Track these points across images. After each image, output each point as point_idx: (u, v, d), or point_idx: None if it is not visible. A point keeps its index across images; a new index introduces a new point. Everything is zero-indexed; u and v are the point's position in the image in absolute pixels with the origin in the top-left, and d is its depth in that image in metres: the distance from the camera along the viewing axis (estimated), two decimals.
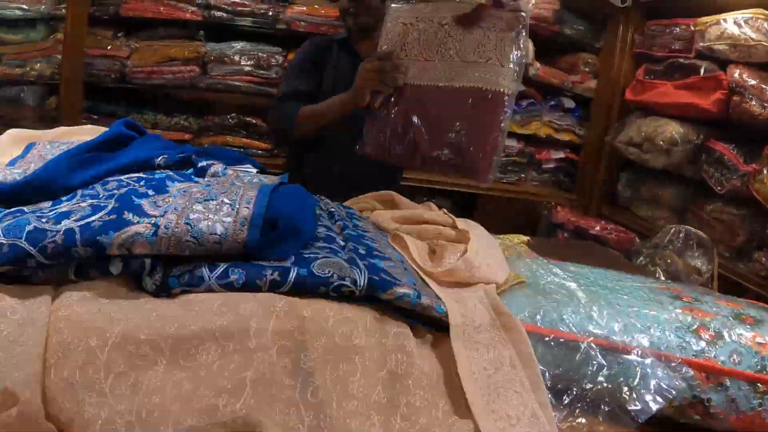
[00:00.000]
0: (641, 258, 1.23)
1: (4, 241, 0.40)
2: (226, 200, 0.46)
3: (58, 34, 1.64)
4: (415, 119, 0.74)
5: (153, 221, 0.41)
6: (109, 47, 1.60)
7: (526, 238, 0.83)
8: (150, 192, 0.48)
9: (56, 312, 0.38)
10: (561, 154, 1.99)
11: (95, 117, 1.66)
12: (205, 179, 0.57)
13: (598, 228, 1.90)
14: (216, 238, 0.42)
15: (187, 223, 0.41)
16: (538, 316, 0.49)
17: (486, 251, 0.56)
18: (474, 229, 0.63)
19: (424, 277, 0.51)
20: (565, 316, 0.49)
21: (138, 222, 0.41)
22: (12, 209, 0.47)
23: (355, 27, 1.08)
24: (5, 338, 0.35)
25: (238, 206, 0.45)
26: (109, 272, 0.41)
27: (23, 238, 0.40)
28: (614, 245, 1.78)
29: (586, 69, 2.00)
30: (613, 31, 1.97)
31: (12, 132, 0.72)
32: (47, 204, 0.50)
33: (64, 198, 0.50)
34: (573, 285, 0.54)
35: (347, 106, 0.93)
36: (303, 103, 1.08)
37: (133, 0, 1.57)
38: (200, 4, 1.58)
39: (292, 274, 0.42)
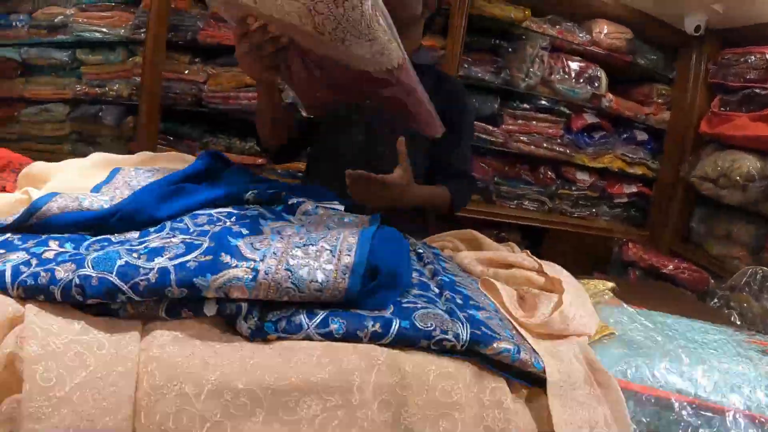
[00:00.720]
0: (715, 300, 1.20)
1: (93, 274, 0.39)
2: (326, 246, 0.45)
3: (136, 58, 1.69)
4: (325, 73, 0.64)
5: (252, 266, 0.40)
6: (186, 72, 1.64)
7: (611, 285, 0.76)
8: (244, 231, 0.48)
9: (147, 352, 0.37)
10: (633, 189, 1.88)
11: (171, 138, 1.70)
12: (296, 216, 0.56)
13: (671, 267, 1.79)
14: (317, 285, 0.40)
15: (288, 269, 0.40)
16: (630, 372, 0.48)
17: (577, 301, 0.54)
18: (560, 274, 0.60)
19: (517, 327, 0.49)
20: (656, 372, 0.48)
21: (236, 266, 0.40)
22: (98, 237, 0.47)
23: None
24: (93, 374, 0.34)
25: (338, 253, 0.44)
26: (201, 312, 0.40)
27: (114, 273, 0.39)
28: (687, 285, 1.69)
29: (660, 100, 1.90)
30: (686, 60, 1.88)
31: (95, 156, 0.71)
32: (134, 235, 0.49)
33: (152, 229, 0.50)
34: (661, 338, 0.54)
35: (262, 95, 0.85)
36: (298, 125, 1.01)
37: (211, 27, 1.61)
38: None
39: (395, 327, 0.41)
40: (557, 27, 1.72)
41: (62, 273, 0.38)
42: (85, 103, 1.75)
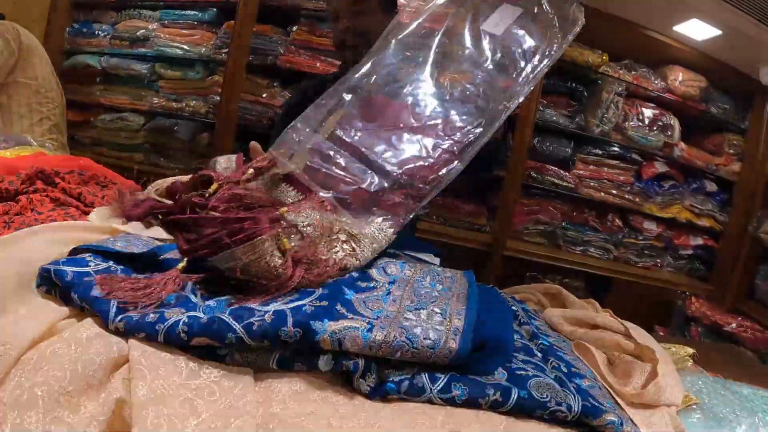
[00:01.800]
0: None
1: (203, 316, 0.38)
2: (437, 310, 0.46)
3: (215, 77, 1.75)
4: None
5: (368, 320, 0.41)
6: (264, 95, 1.68)
7: (691, 351, 0.74)
8: (357, 282, 0.48)
9: (266, 406, 0.35)
10: (699, 241, 1.82)
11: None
12: (403, 273, 0.55)
13: (734, 325, 1.73)
14: (429, 342, 0.41)
15: (402, 327, 0.41)
16: None
17: (667, 371, 0.53)
18: (647, 339, 0.59)
19: (614, 395, 0.49)
20: None
21: (352, 318, 0.41)
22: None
23: (353, 60, 0.97)
24: (206, 423, 0.32)
25: (449, 316, 0.46)
26: (315, 367, 0.39)
27: (226, 313, 0.39)
28: (749, 345, 1.62)
29: (731, 151, 1.85)
30: (759, 111, 1.82)
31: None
32: None
33: None
34: (741, 410, 0.54)
35: None
36: None
37: (291, 53, 1.65)
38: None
39: (514, 396, 0.41)
40: (633, 73, 1.70)
41: (171, 315, 0.38)
42: (161, 115, 1.81)
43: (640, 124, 1.69)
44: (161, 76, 1.82)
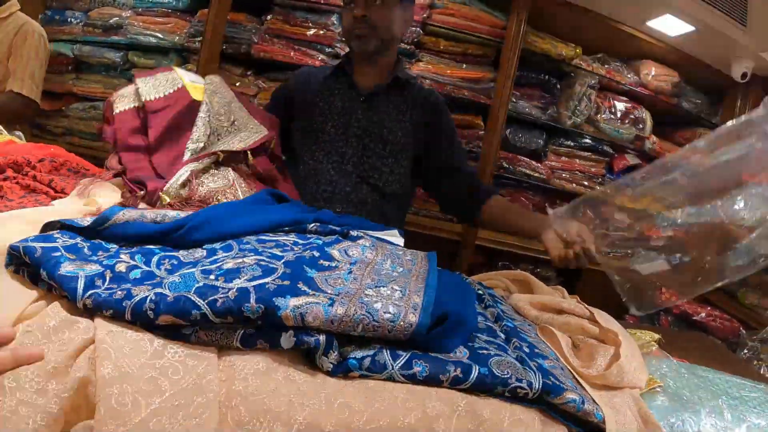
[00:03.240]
0: (745, 351, 1.21)
1: (169, 293, 0.39)
2: (396, 287, 0.47)
3: (189, 65, 1.72)
4: None
5: (329, 296, 0.42)
6: (237, 84, 1.66)
7: (657, 336, 0.77)
8: (320, 261, 0.50)
9: (228, 384, 0.36)
10: (670, 232, 1.86)
11: None
12: (364, 255, 0.56)
13: (703, 314, 1.77)
14: (389, 316, 0.42)
15: (362, 303, 0.42)
16: (677, 425, 0.49)
17: (631, 354, 0.55)
18: (612, 324, 0.60)
19: (576, 376, 0.50)
20: (701, 429, 0.49)
21: (314, 294, 0.42)
22: (167, 253, 0.48)
23: (360, 50, 0.97)
24: (170, 401, 0.33)
25: (408, 293, 0.47)
26: (278, 344, 0.39)
27: (191, 292, 0.39)
28: (718, 334, 1.67)
29: None
30: (731, 106, 1.87)
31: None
32: (202, 253, 0.50)
33: (218, 246, 0.51)
34: (705, 393, 0.55)
35: None
36: None
37: (265, 42, 1.64)
38: (329, 53, 1.59)
39: (474, 373, 0.42)
40: (606, 66, 1.72)
41: (138, 291, 0.39)
42: None
43: (612, 117, 1.71)
44: (134, 65, 1.79)
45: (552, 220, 0.93)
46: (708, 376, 0.61)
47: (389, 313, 0.42)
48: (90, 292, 0.38)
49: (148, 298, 0.38)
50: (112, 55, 1.80)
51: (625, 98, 1.75)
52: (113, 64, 1.80)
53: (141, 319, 0.37)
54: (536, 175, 1.68)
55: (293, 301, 0.39)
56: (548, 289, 0.74)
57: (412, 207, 1.65)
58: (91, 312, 0.38)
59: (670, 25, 1.66)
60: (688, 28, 1.67)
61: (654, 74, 1.77)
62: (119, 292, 0.38)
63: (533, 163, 1.67)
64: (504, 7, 1.60)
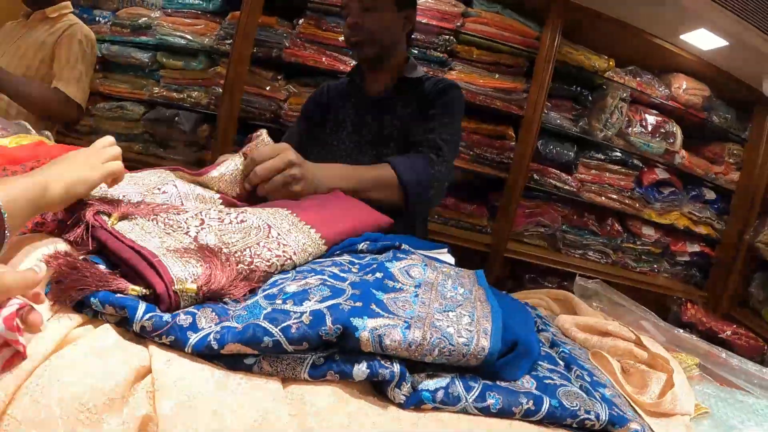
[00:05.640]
0: None
1: (237, 325, 0.37)
2: (464, 312, 0.46)
3: (218, 68, 1.72)
4: None
5: (403, 318, 0.41)
6: (267, 88, 1.66)
7: (697, 360, 0.75)
8: (385, 281, 0.49)
9: (300, 419, 0.33)
10: (696, 248, 1.83)
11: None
12: (426, 276, 0.55)
13: (728, 332, 1.75)
14: (464, 340, 0.41)
15: (436, 327, 0.41)
16: None
17: (681, 381, 0.54)
18: (656, 347, 0.59)
19: (632, 404, 0.50)
20: None
21: (388, 316, 0.41)
22: None
23: (359, 57, 0.98)
24: None
25: (477, 318, 0.46)
26: (348, 376, 0.37)
27: (261, 318, 0.37)
28: (742, 352, 1.64)
29: (731, 160, 1.86)
30: (760, 121, 1.84)
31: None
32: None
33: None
34: (750, 420, 0.55)
35: None
36: None
37: (296, 46, 1.63)
38: None
39: (545, 405, 0.41)
40: (638, 79, 1.70)
41: (202, 320, 0.37)
42: (161, 105, 1.78)
43: (643, 130, 1.69)
44: (162, 66, 1.79)
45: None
46: (748, 401, 0.60)
47: (463, 337, 0.41)
48: (151, 314, 0.36)
49: (213, 332, 0.36)
50: (140, 56, 1.80)
51: (655, 111, 1.73)
52: (141, 64, 1.80)
53: (203, 352, 0.35)
54: (566, 187, 1.66)
55: (371, 323, 0.38)
56: (591, 310, 0.73)
57: (439, 217, 1.64)
58: (146, 336, 0.36)
59: (703, 39, 1.65)
60: (721, 42, 1.65)
61: (685, 88, 1.75)
62: (184, 317, 0.37)
63: (563, 175, 1.65)
64: (538, 17, 1.58)
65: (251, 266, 0.46)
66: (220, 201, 0.64)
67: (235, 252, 0.46)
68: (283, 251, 0.50)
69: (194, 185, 0.65)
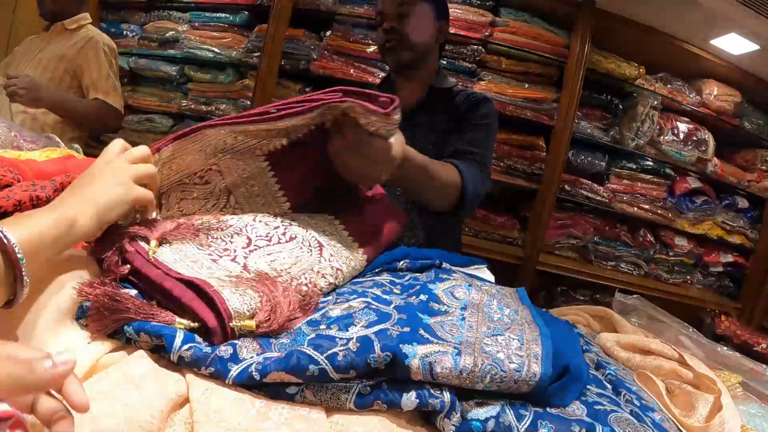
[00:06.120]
0: None
1: (278, 354, 0.35)
2: (513, 336, 0.45)
3: (246, 81, 1.73)
4: None
5: (452, 344, 0.40)
6: None
7: (740, 378, 0.72)
8: (430, 305, 0.47)
9: None
10: (730, 258, 1.79)
11: None
12: (471, 297, 0.53)
13: (764, 345, 1.70)
14: (515, 366, 0.39)
15: (486, 353, 0.40)
16: None
17: (730, 402, 0.52)
18: (701, 367, 0.57)
19: (681, 428, 0.47)
20: None
21: (437, 342, 0.39)
22: None
23: (393, 64, 0.96)
24: None
25: (527, 342, 0.44)
26: (396, 406, 0.36)
27: (305, 345, 0.36)
28: None
29: (764, 167, 1.82)
30: None
31: None
32: None
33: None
34: None
35: None
36: None
37: (324, 58, 1.64)
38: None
39: None
40: (668, 86, 1.67)
41: (244, 351, 0.35)
42: (190, 118, 1.81)
43: (675, 138, 1.66)
44: (190, 79, 1.81)
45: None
46: None
47: (514, 363, 0.40)
48: (190, 345, 0.34)
49: (255, 362, 0.34)
50: (168, 69, 1.82)
51: (687, 119, 1.70)
52: (169, 77, 1.83)
53: (244, 383, 0.34)
54: (598, 198, 1.63)
55: (421, 350, 0.36)
56: (631, 327, 0.71)
57: (470, 229, 1.62)
58: (184, 366, 0.34)
59: (734, 44, 1.62)
60: (753, 47, 1.62)
61: (716, 94, 1.71)
62: (224, 348, 0.35)
63: (595, 185, 1.63)
64: (566, 25, 1.57)
65: (306, 297, 0.44)
66: (275, 180, 0.53)
67: (291, 281, 0.44)
68: (335, 278, 0.49)
69: (240, 165, 0.53)
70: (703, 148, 1.70)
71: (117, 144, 0.45)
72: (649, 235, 1.71)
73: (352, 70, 1.60)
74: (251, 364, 0.34)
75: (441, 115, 0.96)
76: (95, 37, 1.42)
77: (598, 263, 1.67)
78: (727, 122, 1.74)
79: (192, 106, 1.79)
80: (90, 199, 0.38)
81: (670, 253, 1.72)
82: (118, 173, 0.41)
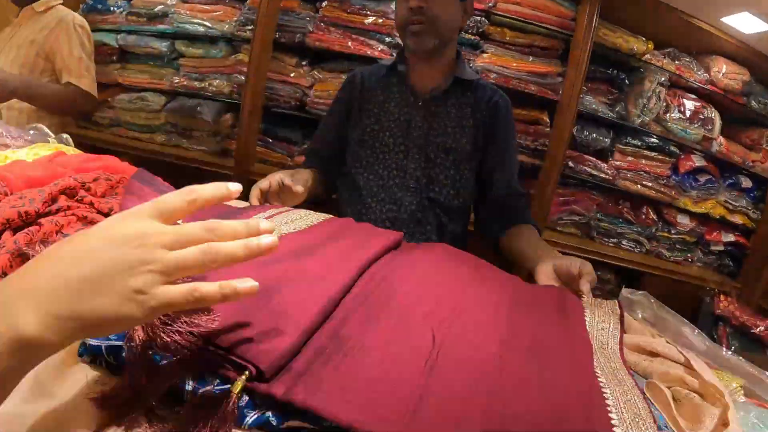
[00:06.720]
0: None
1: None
2: None
3: (239, 55, 1.67)
4: None
5: None
6: (291, 74, 1.60)
7: (742, 382, 0.70)
8: None
9: None
10: (731, 237, 1.78)
11: (270, 140, 1.66)
12: None
13: (762, 328, 1.70)
14: None
15: None
16: None
17: (735, 416, 0.49)
18: (705, 372, 0.54)
19: None
20: None
21: None
22: None
23: (416, 49, 0.87)
24: None
25: None
26: None
27: None
28: None
29: None
30: None
31: None
32: None
33: None
34: None
35: None
36: (322, 166, 0.98)
37: (320, 30, 1.57)
38: (389, 43, 1.51)
39: None
40: (676, 62, 1.63)
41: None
42: (183, 95, 1.74)
43: (681, 116, 1.63)
44: (182, 54, 1.74)
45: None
46: None
47: None
48: (204, 390, 0.32)
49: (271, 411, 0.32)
50: (158, 45, 1.75)
51: (693, 96, 1.66)
52: (160, 53, 1.75)
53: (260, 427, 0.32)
54: (602, 175, 1.60)
55: None
56: (636, 324, 0.68)
57: None
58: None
59: (746, 23, 1.57)
60: (764, 26, 1.58)
61: (724, 72, 1.67)
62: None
63: (599, 162, 1.59)
64: None
65: None
66: None
67: None
68: None
69: None
70: (709, 127, 1.66)
71: (170, 201, 0.27)
72: (651, 213, 1.69)
73: (350, 42, 1.54)
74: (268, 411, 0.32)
75: (463, 108, 0.91)
76: (66, 17, 1.36)
77: (600, 240, 1.65)
78: (734, 101, 1.71)
79: (185, 83, 1.72)
80: (63, 308, 0.23)
81: (672, 231, 1.70)
82: (136, 260, 0.24)
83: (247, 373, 0.32)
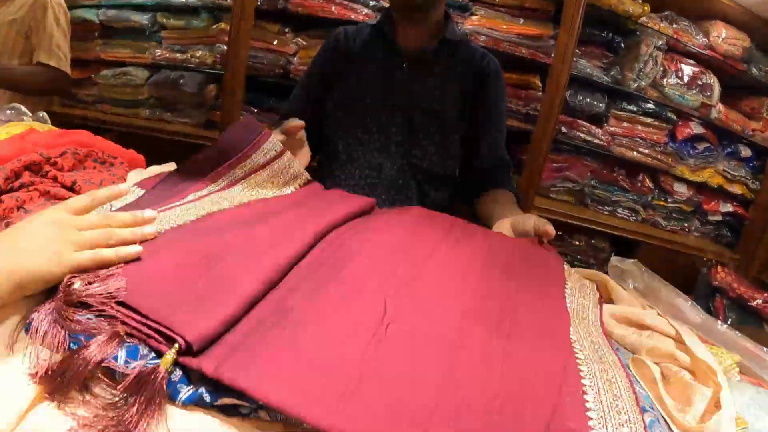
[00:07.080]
0: None
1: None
2: None
3: (221, 24, 1.63)
4: None
5: None
6: (275, 42, 1.56)
7: (738, 358, 0.66)
8: None
9: None
10: (729, 207, 1.74)
11: (255, 110, 1.62)
12: None
13: (759, 300, 1.67)
14: None
15: None
16: None
17: (729, 398, 0.46)
18: (697, 347, 0.51)
19: (671, 424, 0.41)
20: None
21: None
22: None
23: (402, 4, 0.86)
24: None
25: None
26: None
27: None
28: None
29: None
30: None
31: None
32: None
33: None
34: None
35: None
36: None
37: None
38: (374, 6, 1.48)
39: None
40: (674, 26, 1.58)
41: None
42: (166, 68, 1.70)
43: (679, 81, 1.58)
44: (163, 26, 1.70)
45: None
46: None
47: None
48: (136, 363, 0.31)
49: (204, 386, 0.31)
50: (139, 18, 1.70)
51: (692, 61, 1.61)
52: (141, 26, 1.71)
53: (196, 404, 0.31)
54: (596, 141, 1.56)
55: None
56: (626, 295, 0.65)
57: None
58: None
59: None
60: None
61: (724, 37, 1.61)
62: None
63: (593, 128, 1.55)
64: None
65: None
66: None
67: None
68: None
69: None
70: (708, 93, 1.61)
71: (87, 198, 0.41)
72: (647, 181, 1.65)
73: (333, 7, 1.49)
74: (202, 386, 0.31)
75: (451, 71, 0.88)
76: None
77: (594, 208, 1.62)
78: (734, 67, 1.65)
79: (167, 55, 1.69)
80: (4, 270, 0.32)
81: (669, 200, 1.66)
82: (63, 231, 0.36)
83: (177, 346, 0.31)
